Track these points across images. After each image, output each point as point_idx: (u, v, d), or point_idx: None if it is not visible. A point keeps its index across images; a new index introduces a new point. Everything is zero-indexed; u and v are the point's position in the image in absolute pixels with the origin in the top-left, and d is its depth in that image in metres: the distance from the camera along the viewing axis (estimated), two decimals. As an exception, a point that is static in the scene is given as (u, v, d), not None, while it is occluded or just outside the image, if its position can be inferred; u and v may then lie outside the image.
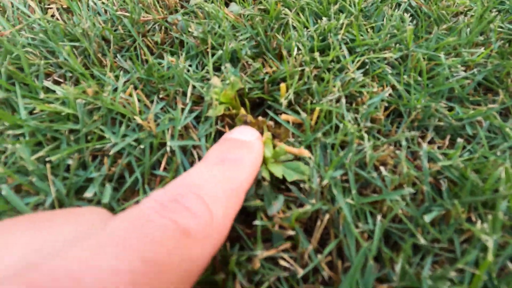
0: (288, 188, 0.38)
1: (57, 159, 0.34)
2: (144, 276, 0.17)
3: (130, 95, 0.43)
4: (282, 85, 0.42)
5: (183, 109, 0.43)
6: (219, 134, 0.42)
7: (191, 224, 0.20)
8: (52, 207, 0.33)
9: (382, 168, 0.35)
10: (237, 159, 0.27)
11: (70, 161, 0.35)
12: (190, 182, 0.23)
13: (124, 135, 0.40)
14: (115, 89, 0.45)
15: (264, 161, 0.36)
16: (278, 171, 0.35)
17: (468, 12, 0.59)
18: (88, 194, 0.33)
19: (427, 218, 0.30)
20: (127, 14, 0.55)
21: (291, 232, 0.30)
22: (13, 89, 0.42)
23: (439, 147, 0.40)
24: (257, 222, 0.30)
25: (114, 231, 0.18)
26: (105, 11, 0.57)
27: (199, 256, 0.20)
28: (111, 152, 0.36)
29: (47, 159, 0.34)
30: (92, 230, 0.19)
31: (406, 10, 0.59)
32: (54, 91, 0.42)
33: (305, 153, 0.37)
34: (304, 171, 0.36)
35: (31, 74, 0.45)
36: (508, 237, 0.31)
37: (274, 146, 0.38)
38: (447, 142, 0.40)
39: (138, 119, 0.40)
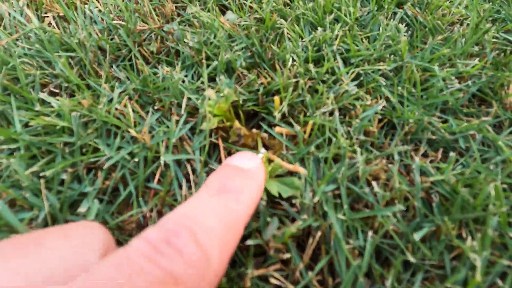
0: (281, 202, 0.38)
1: (51, 174, 0.34)
2: None
3: (125, 106, 0.44)
4: (276, 98, 0.42)
5: (177, 121, 0.43)
6: (213, 146, 0.42)
7: (182, 271, 0.19)
8: (45, 222, 0.33)
9: (374, 184, 0.35)
10: (237, 189, 0.25)
11: (64, 176, 0.35)
12: (185, 215, 0.22)
13: (119, 147, 0.41)
14: (111, 100, 0.45)
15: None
16: (274, 188, 0.35)
17: (464, 21, 0.59)
18: (82, 209, 0.33)
19: (417, 236, 0.30)
20: (123, 23, 0.56)
21: (286, 256, 0.30)
22: (8, 101, 0.42)
23: (432, 161, 0.41)
24: (250, 242, 0.31)
25: (99, 278, 0.17)
26: (102, 19, 0.58)
27: None
28: (105, 166, 0.37)
29: (41, 174, 0.34)
30: (77, 271, 0.18)
31: (402, 19, 0.59)
32: (49, 103, 0.43)
33: (300, 170, 0.37)
34: (299, 186, 0.36)
35: (27, 85, 0.45)
36: (498, 254, 0.31)
37: (270, 161, 0.38)
38: (440, 156, 0.41)
39: (132, 132, 0.40)
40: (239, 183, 0.26)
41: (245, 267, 0.32)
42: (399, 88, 0.46)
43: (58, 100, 0.40)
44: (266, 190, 0.35)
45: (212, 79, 0.50)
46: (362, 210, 0.36)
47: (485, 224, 0.32)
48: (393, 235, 0.31)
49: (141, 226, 0.37)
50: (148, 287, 0.18)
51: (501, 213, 0.31)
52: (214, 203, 0.24)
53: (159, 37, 0.55)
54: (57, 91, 0.47)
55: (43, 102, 0.44)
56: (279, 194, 0.35)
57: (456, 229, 0.33)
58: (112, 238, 0.25)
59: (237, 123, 0.42)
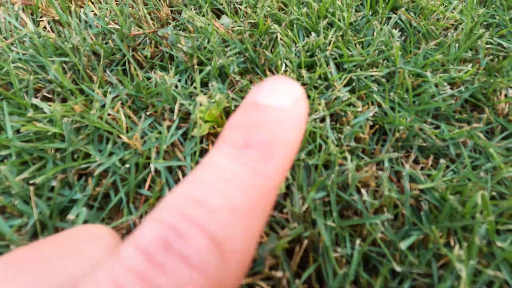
0: (273, 208, 0.38)
1: (41, 180, 0.34)
2: None
3: (118, 111, 0.44)
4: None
5: (169, 127, 0.43)
6: (205, 152, 0.43)
7: (188, 283, 0.14)
8: (34, 228, 0.33)
9: (363, 191, 0.35)
10: (268, 143, 0.17)
11: (54, 182, 0.35)
12: (189, 198, 0.15)
13: (111, 153, 0.41)
14: (104, 105, 0.45)
15: None
16: None
17: (459, 26, 0.59)
18: (71, 216, 0.34)
19: (403, 245, 0.30)
20: (118, 27, 0.56)
21: (272, 262, 0.31)
22: (0, 106, 0.42)
23: (422, 168, 0.41)
24: None
25: None
26: (97, 24, 0.58)
27: None
28: (96, 172, 0.37)
29: (31, 181, 0.34)
30: None
31: (396, 24, 0.59)
32: (42, 109, 0.43)
33: None
34: (280, 186, 0.36)
35: (20, 91, 0.45)
36: (485, 263, 0.31)
37: None
38: (430, 162, 0.41)
39: (124, 138, 0.40)
40: (271, 132, 0.18)
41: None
42: (392, 94, 0.46)
43: (50, 105, 0.41)
44: None
45: (205, 84, 0.50)
46: (352, 217, 0.36)
47: (473, 232, 0.32)
48: (380, 244, 0.31)
49: (131, 231, 0.37)
50: None
51: (489, 222, 0.32)
52: (234, 169, 0.16)
53: (153, 42, 0.55)
54: (50, 96, 0.47)
55: (36, 107, 0.44)
56: None
57: (444, 237, 0.33)
58: (119, 239, 0.19)
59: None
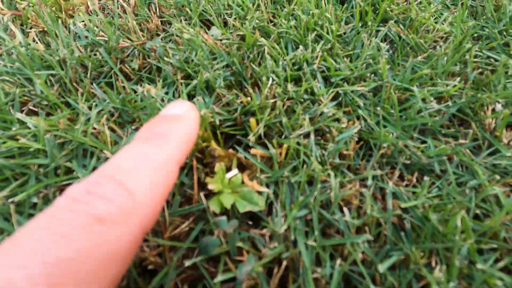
0: (256, 224, 0.38)
1: (22, 198, 0.34)
2: (60, 275, 0.17)
3: (103, 125, 0.44)
4: (252, 120, 0.42)
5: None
6: (189, 168, 0.42)
7: (104, 210, 0.20)
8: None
9: (345, 210, 0.35)
10: (164, 133, 0.26)
11: (35, 199, 0.35)
12: (109, 167, 0.23)
13: (94, 168, 0.41)
14: (89, 119, 0.45)
15: (217, 193, 0.37)
16: (228, 201, 0.35)
17: (448, 37, 0.59)
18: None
19: (382, 267, 0.30)
20: (106, 39, 0.56)
21: (251, 282, 0.30)
22: (-15, 122, 0.42)
23: (407, 185, 0.40)
24: (219, 278, 0.30)
25: (23, 237, 0.19)
26: (86, 36, 0.58)
27: (120, 238, 0.20)
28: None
29: (10, 200, 0.34)
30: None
31: (386, 36, 0.59)
32: (26, 123, 0.43)
33: (258, 187, 0.37)
34: (258, 202, 0.36)
35: (6, 104, 0.45)
36: (465, 285, 0.31)
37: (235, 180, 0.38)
38: (415, 179, 0.40)
39: (107, 153, 0.40)
40: (166, 127, 0.27)
41: (212, 295, 0.32)
42: (378, 108, 0.46)
43: (33, 121, 0.41)
44: (221, 203, 0.35)
45: (193, 96, 0.50)
46: (334, 235, 0.36)
47: (453, 254, 0.32)
48: (359, 264, 0.31)
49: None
50: (71, 231, 0.19)
51: (470, 244, 0.31)
52: (139, 149, 0.25)
53: (141, 54, 0.55)
54: (36, 109, 0.47)
55: (21, 122, 0.44)
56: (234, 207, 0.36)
57: (425, 258, 0.33)
58: None
59: (213, 144, 0.42)
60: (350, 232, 0.34)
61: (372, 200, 0.37)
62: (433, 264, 0.33)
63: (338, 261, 0.32)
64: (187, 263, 0.32)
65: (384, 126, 0.45)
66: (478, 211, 0.37)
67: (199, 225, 0.37)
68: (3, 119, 0.45)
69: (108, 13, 0.67)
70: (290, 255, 0.32)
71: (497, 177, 0.38)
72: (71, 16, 0.65)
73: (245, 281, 0.30)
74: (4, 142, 0.38)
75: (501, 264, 0.32)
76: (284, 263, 0.31)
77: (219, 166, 0.38)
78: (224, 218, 0.34)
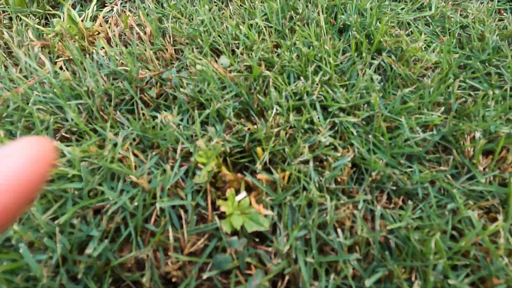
0: (262, 241, 0.44)
1: (64, 220, 0.40)
2: None
3: (127, 151, 0.50)
4: (259, 149, 0.48)
5: (172, 166, 0.49)
6: (204, 191, 0.48)
7: None
8: (57, 262, 0.39)
9: (339, 231, 0.41)
10: None
11: (75, 221, 0.41)
12: None
13: (122, 190, 0.47)
14: (115, 144, 0.51)
15: (228, 215, 0.43)
16: (238, 222, 0.42)
17: (437, 66, 0.65)
18: (89, 250, 0.40)
19: (368, 282, 0.36)
20: (127, 69, 0.62)
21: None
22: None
23: (393, 207, 0.46)
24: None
25: None
26: (108, 65, 0.64)
27: None
28: (110, 211, 0.43)
29: (56, 222, 0.40)
30: None
31: (379, 66, 0.65)
32: (62, 150, 0.49)
33: (263, 211, 0.43)
34: (263, 224, 0.42)
35: (42, 132, 0.52)
36: (439, 297, 0.37)
37: (243, 201, 0.44)
38: (400, 202, 0.46)
39: (133, 178, 0.46)
40: None
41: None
42: (370, 136, 0.52)
43: (69, 150, 0.47)
44: (232, 224, 0.42)
45: (206, 123, 0.56)
46: (330, 253, 0.42)
47: (434, 269, 0.38)
48: (349, 279, 0.37)
49: (139, 262, 0.43)
50: None
51: (444, 262, 0.37)
52: None
53: (158, 83, 0.61)
54: (68, 135, 0.53)
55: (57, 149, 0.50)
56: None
57: (407, 273, 0.39)
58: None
59: (224, 170, 0.48)
60: (342, 250, 0.40)
61: (363, 221, 0.43)
62: (413, 279, 0.39)
63: (332, 276, 0.38)
64: (205, 276, 0.38)
65: (375, 153, 0.51)
66: (454, 232, 0.43)
67: (212, 242, 0.43)
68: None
69: (125, 39, 0.74)
70: (291, 270, 0.38)
71: (471, 202, 0.44)
72: (92, 43, 0.72)
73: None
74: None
75: (469, 279, 0.38)
76: (287, 277, 0.37)
77: (230, 192, 0.44)
78: (235, 238, 0.40)
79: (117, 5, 0.83)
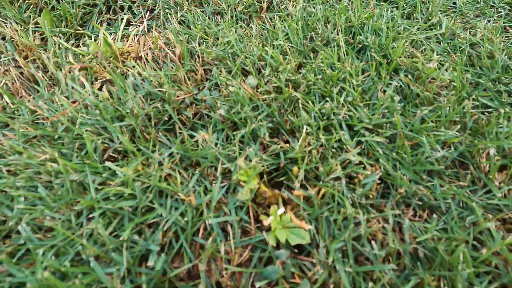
0: (300, 252, 0.48)
1: (126, 235, 0.45)
2: None
3: (174, 171, 0.54)
4: (295, 169, 0.53)
5: (214, 183, 0.53)
6: (246, 207, 0.53)
7: None
8: (124, 274, 0.43)
9: (373, 243, 0.46)
10: None
11: (136, 237, 0.46)
12: None
13: (171, 206, 0.51)
14: (160, 163, 0.56)
15: (272, 229, 0.47)
16: (282, 236, 0.46)
17: (451, 84, 0.70)
18: (150, 263, 0.44)
19: (405, 290, 0.41)
20: (163, 90, 0.66)
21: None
22: (83, 170, 0.52)
23: (419, 220, 0.51)
24: None
25: None
26: (143, 86, 0.68)
27: None
28: (165, 227, 0.47)
29: (121, 238, 0.44)
30: None
31: (397, 86, 0.69)
32: (114, 171, 0.53)
33: (304, 226, 0.48)
34: (305, 237, 0.46)
35: (92, 152, 0.56)
36: (466, 302, 0.42)
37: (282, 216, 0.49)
38: (425, 216, 0.51)
39: (181, 195, 0.51)
40: None
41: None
42: (394, 153, 0.57)
43: (121, 170, 0.51)
44: (276, 238, 0.46)
45: (241, 142, 0.60)
46: (364, 263, 0.46)
47: (456, 280, 0.42)
48: (387, 287, 0.41)
49: (190, 272, 0.47)
50: None
51: (469, 271, 0.42)
52: None
53: (193, 104, 0.66)
54: (115, 155, 0.58)
55: (108, 168, 0.54)
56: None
57: (436, 281, 0.43)
58: None
59: (262, 187, 0.53)
60: (377, 261, 0.45)
61: (393, 234, 0.48)
62: (442, 286, 0.43)
63: (370, 284, 0.42)
64: (257, 285, 0.42)
65: (398, 169, 0.56)
66: (474, 242, 0.48)
67: (256, 253, 0.48)
68: (94, 167, 0.55)
69: (154, 59, 0.78)
70: (334, 279, 0.43)
71: (489, 215, 0.49)
72: (123, 62, 0.76)
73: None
74: (101, 185, 0.49)
75: (493, 286, 0.42)
76: (332, 286, 0.41)
77: (273, 208, 0.48)
78: (282, 251, 0.45)
79: (142, 24, 0.87)
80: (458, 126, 0.60)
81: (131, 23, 0.90)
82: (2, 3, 0.87)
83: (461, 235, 0.47)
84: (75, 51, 0.75)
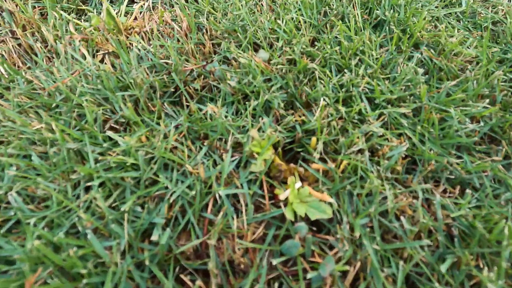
0: (319, 230, 0.44)
1: (128, 207, 0.40)
2: None
3: (182, 143, 0.50)
4: (313, 139, 0.48)
5: (221, 157, 0.49)
6: (259, 181, 0.48)
7: None
8: (124, 249, 0.39)
9: (402, 218, 0.41)
10: None
11: (138, 208, 0.41)
12: None
13: (177, 180, 0.47)
14: (165, 134, 0.51)
15: (289, 203, 0.43)
16: (301, 210, 0.42)
17: (476, 60, 0.66)
18: (154, 237, 0.39)
19: (443, 267, 0.36)
20: (169, 62, 0.62)
21: (329, 280, 0.36)
22: (81, 139, 0.48)
23: (450, 196, 0.46)
24: (309, 275, 0.36)
25: None
26: (148, 58, 0.64)
27: None
28: (171, 199, 0.43)
29: (122, 209, 0.40)
30: None
31: (419, 60, 0.65)
32: (116, 141, 0.49)
33: (327, 198, 0.43)
34: (326, 211, 0.42)
35: (92, 123, 0.51)
36: (510, 282, 0.37)
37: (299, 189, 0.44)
38: (457, 192, 0.46)
39: (189, 167, 0.46)
40: None
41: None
42: (419, 127, 0.52)
43: (123, 139, 0.47)
44: (294, 212, 0.42)
45: (252, 115, 0.56)
46: (392, 240, 0.41)
47: (500, 257, 0.37)
48: (422, 266, 0.37)
49: (198, 251, 0.43)
50: None
51: (513, 248, 0.37)
52: None
53: (201, 76, 0.61)
54: (117, 126, 0.53)
55: (109, 139, 0.50)
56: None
57: (474, 260, 0.39)
58: None
59: (277, 159, 0.48)
60: (407, 237, 0.40)
61: (423, 209, 0.43)
62: (481, 265, 0.38)
63: (401, 263, 0.37)
64: (274, 262, 0.38)
65: (424, 143, 0.51)
66: (514, 220, 0.43)
67: (271, 231, 0.43)
68: (94, 137, 0.50)
69: (160, 34, 0.74)
70: (360, 257, 0.38)
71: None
72: (127, 37, 0.72)
73: (327, 279, 0.36)
74: (101, 154, 0.44)
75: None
76: (358, 264, 0.37)
77: (291, 180, 0.44)
78: (303, 224, 0.40)
79: (147, 1, 0.83)
80: (487, 101, 0.56)
81: (135, 0, 0.86)
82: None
83: (500, 211, 0.42)
84: (76, 24, 0.71)
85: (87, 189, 0.44)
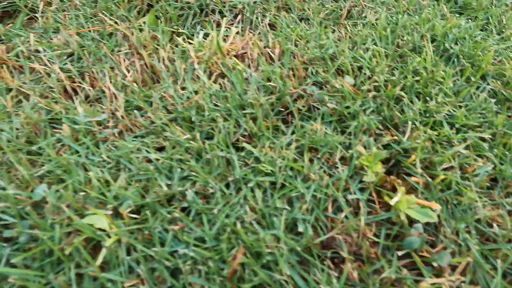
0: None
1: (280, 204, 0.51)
2: None
3: (302, 159, 0.61)
4: (413, 156, 0.59)
5: (330, 167, 0.60)
6: (368, 189, 0.59)
7: None
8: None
9: (494, 225, 0.51)
10: None
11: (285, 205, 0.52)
12: None
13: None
14: (281, 147, 0.63)
15: (397, 209, 0.53)
16: (413, 214, 0.52)
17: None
18: (300, 229, 0.50)
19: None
20: (273, 84, 0.74)
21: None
22: (222, 149, 0.59)
23: (528, 209, 0.56)
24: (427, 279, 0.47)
25: None
26: (257, 80, 0.76)
27: None
28: (305, 200, 0.54)
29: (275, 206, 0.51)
30: None
31: (488, 91, 0.75)
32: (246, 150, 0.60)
33: (434, 205, 0.53)
34: (432, 216, 0.52)
35: (225, 135, 0.63)
36: None
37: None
38: (534, 206, 0.56)
39: (312, 176, 0.57)
40: None
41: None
42: (495, 150, 0.62)
43: (255, 149, 0.58)
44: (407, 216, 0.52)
45: (342, 131, 0.67)
46: (485, 242, 0.52)
47: None
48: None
49: (323, 242, 0.53)
50: None
51: None
52: None
53: (303, 98, 0.73)
54: (242, 138, 0.65)
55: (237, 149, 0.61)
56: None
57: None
58: None
59: (382, 173, 0.59)
60: (502, 241, 0.50)
61: (510, 219, 0.53)
62: None
63: (499, 261, 0.47)
64: (399, 253, 0.48)
65: (502, 164, 0.61)
66: None
67: (382, 230, 0.54)
68: (226, 146, 0.62)
69: (253, 59, 0.86)
70: (463, 253, 0.48)
71: None
72: (224, 56, 0.84)
73: (446, 268, 0.46)
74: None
75: None
76: (468, 258, 0.47)
77: (401, 190, 0.54)
78: (420, 224, 0.50)
79: (236, 27, 0.96)
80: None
81: (221, 24, 0.99)
82: (116, 2, 0.97)
83: None
84: (187, 47, 0.84)
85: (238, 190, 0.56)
